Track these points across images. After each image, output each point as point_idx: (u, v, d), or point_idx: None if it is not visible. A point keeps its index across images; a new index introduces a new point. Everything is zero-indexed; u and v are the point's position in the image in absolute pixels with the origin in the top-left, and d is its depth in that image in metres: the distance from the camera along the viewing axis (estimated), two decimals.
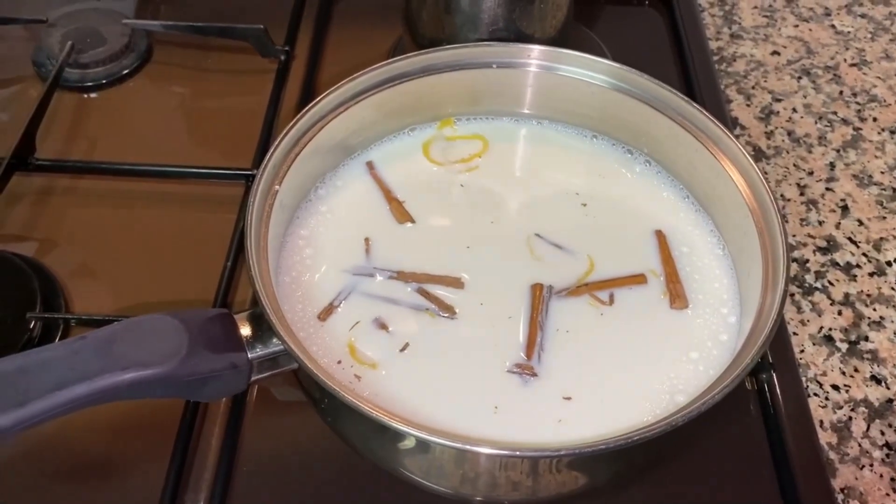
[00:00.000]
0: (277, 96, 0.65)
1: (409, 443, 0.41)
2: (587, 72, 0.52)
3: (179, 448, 0.46)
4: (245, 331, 0.40)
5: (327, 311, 0.46)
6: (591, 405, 0.43)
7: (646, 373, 0.44)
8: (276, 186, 0.46)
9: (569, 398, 0.43)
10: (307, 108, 0.48)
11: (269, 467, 0.46)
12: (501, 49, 0.53)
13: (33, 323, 0.50)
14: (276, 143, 0.46)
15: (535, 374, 0.44)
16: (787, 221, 0.59)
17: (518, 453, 0.37)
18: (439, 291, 0.47)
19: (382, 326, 0.46)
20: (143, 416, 0.48)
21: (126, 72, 0.68)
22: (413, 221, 0.51)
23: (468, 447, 0.36)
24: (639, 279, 0.48)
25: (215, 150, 0.62)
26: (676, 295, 0.47)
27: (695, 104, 0.50)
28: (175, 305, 0.53)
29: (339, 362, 0.44)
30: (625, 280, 0.48)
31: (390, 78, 0.51)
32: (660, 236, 0.50)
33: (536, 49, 0.53)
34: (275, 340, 0.40)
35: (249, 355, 0.40)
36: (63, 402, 0.35)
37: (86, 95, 0.66)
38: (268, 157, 0.45)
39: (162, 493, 0.44)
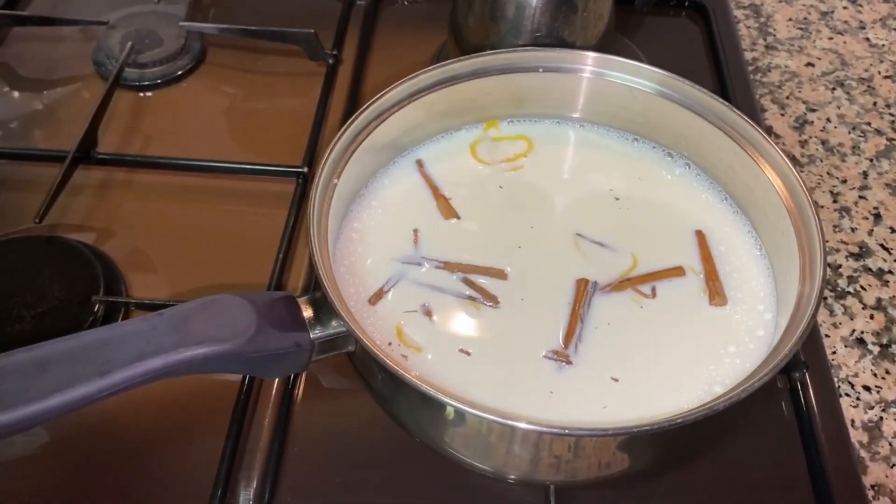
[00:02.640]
0: (326, 98, 0.67)
1: (460, 422, 0.43)
2: (633, 77, 0.54)
3: (234, 428, 0.48)
4: (307, 313, 0.42)
5: (377, 296, 0.48)
6: (632, 394, 0.44)
7: (684, 365, 0.46)
8: (335, 180, 0.48)
9: (616, 379, 0.45)
10: (364, 107, 0.50)
11: (318, 448, 0.48)
12: (549, 54, 0.55)
13: (97, 306, 0.52)
14: (336, 139, 0.48)
15: (570, 362, 0.46)
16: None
17: (567, 431, 0.39)
18: (483, 282, 0.49)
19: (428, 312, 0.48)
20: (199, 396, 0.50)
21: (181, 72, 0.70)
22: (458, 217, 0.53)
23: (531, 427, 0.37)
24: (677, 271, 0.50)
25: (265, 149, 0.64)
26: (716, 292, 0.48)
27: (736, 110, 0.51)
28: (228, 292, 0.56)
29: (389, 344, 0.46)
30: (663, 273, 0.50)
31: (441, 80, 0.53)
32: (700, 236, 0.52)
33: (583, 54, 0.55)
34: (334, 323, 0.42)
35: (311, 336, 0.42)
36: (141, 373, 0.37)
37: (142, 94, 0.69)
38: (328, 151, 0.48)
39: (218, 470, 0.46)
